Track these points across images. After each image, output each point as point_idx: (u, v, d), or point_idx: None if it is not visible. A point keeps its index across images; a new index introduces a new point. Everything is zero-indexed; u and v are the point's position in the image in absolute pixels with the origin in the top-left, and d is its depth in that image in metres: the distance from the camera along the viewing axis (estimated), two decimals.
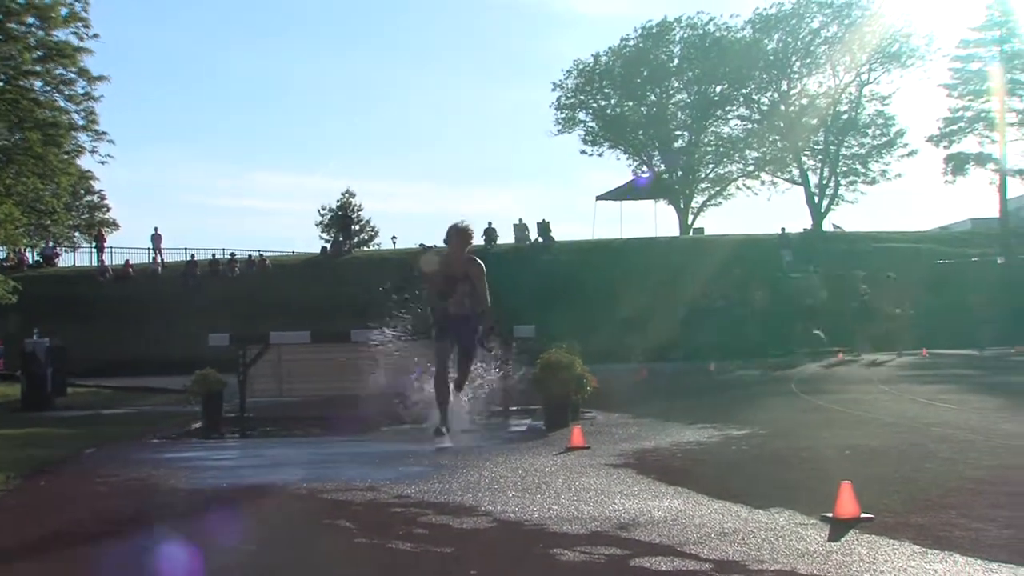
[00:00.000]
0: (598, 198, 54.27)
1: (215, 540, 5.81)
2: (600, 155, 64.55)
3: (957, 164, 51.66)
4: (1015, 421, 11.09)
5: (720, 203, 64.60)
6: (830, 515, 5.67)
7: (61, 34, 28.70)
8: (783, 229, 47.15)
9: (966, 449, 8.66)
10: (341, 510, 6.71)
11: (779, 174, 60.92)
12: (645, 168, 62.85)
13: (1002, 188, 50.53)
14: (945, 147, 52.40)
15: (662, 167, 62.56)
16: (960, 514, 5.78)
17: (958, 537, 5.21)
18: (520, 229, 47.40)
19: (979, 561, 4.78)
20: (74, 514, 7.02)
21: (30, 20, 27.93)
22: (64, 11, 28.15)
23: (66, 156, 30.42)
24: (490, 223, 46.74)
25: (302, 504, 7.05)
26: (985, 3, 49.49)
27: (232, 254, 47.44)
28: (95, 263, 48.39)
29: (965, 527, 5.45)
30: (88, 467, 9.52)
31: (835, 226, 56.18)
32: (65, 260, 51.90)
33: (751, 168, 62.20)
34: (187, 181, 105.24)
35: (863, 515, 5.61)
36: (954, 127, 51.81)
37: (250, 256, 47.18)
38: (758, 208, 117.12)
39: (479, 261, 10.60)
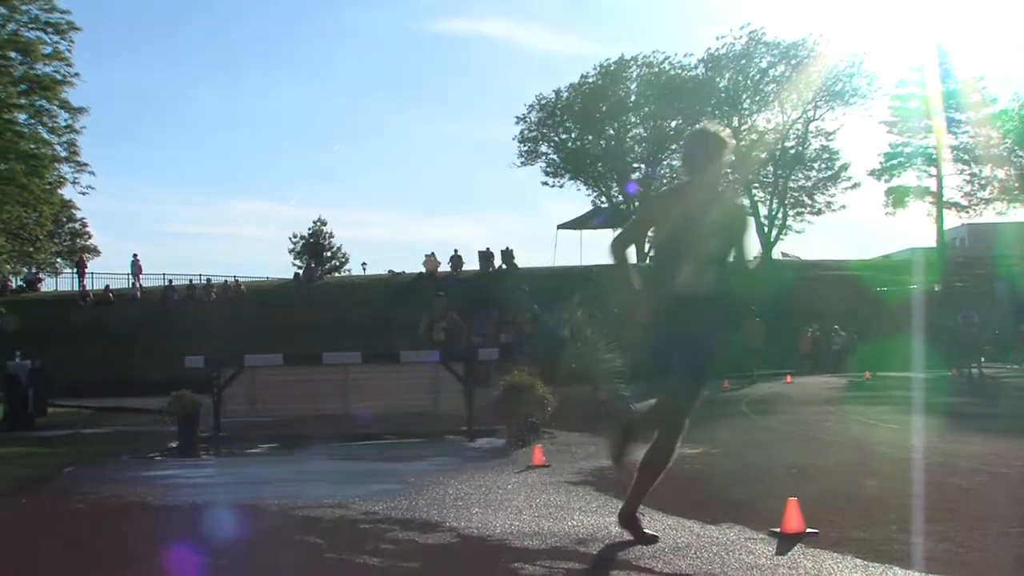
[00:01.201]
0: (559, 227, 54.49)
1: (189, 556, 5.76)
2: (561, 186, 64.70)
3: (897, 197, 52.37)
4: (949, 440, 11.20)
5: None
6: (777, 530, 5.69)
7: (43, 68, 28.61)
8: None
9: (905, 467, 8.73)
10: (311, 526, 6.67)
11: None
12: (604, 199, 63.10)
13: (939, 219, 51.22)
14: (886, 180, 53.09)
15: (620, 199, 62.81)
16: (900, 528, 5.82)
17: (898, 551, 5.25)
18: (485, 257, 47.43)
19: (918, 574, 4.82)
20: (53, 531, 6.94)
21: (12, 54, 27.81)
22: (47, 48, 28.06)
23: (48, 186, 30.26)
24: (456, 251, 46.94)
25: (273, 521, 7.00)
26: (922, 46, 50.30)
27: (208, 279, 47.20)
28: (77, 288, 48.01)
29: (904, 541, 5.49)
30: (67, 485, 9.41)
31: (784, 254, 56.66)
32: (48, 285, 51.57)
33: None
34: (165, 210, 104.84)
35: (808, 530, 5.64)
36: (894, 162, 52.52)
37: (226, 281, 46.93)
38: None
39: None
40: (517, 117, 63.68)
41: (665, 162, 62.66)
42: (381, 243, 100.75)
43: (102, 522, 7.25)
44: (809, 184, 59.86)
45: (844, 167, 59.01)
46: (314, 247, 60.22)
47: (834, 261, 50.32)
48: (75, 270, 50.84)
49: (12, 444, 14.17)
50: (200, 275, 48.89)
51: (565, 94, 62.56)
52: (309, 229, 64.02)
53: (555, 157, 63.71)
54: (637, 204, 61.17)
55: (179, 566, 5.43)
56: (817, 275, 43.62)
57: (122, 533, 6.76)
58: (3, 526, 7.19)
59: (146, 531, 6.79)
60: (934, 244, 52.95)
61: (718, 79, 59.41)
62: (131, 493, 8.51)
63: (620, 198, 63.14)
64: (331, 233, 65.34)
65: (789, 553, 5.30)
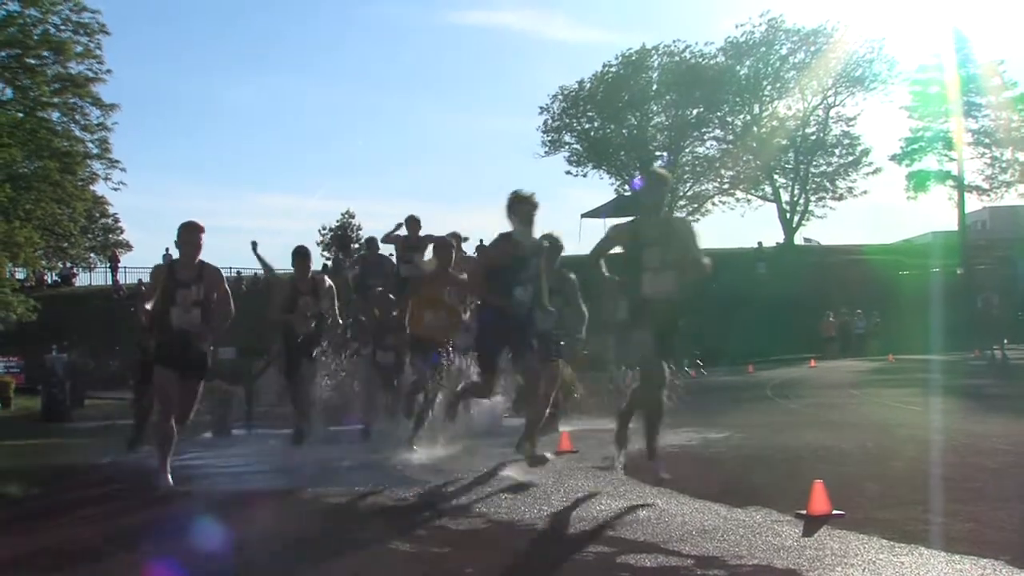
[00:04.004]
0: (583, 216, 54.31)
1: (233, 540, 5.78)
2: (584, 175, 64.34)
3: (918, 181, 51.90)
4: (973, 421, 11.13)
5: (698, 219, 64.59)
6: (804, 512, 5.69)
7: (76, 67, 28.78)
8: (759, 243, 47.26)
9: (929, 448, 8.69)
10: (343, 513, 6.71)
11: (753, 191, 60.90)
12: (627, 188, 62.83)
13: (960, 203, 50.72)
14: (907, 165, 52.65)
15: (639, 188, 62.45)
16: (924, 509, 5.81)
17: (923, 531, 5.24)
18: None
19: (942, 553, 4.81)
20: (91, 519, 7.01)
21: (45, 53, 27.98)
22: (78, 48, 28.21)
23: (81, 183, 30.44)
24: (481, 240, 46.61)
25: (306, 508, 7.05)
26: (942, 30, 49.86)
27: (239, 272, 47.30)
28: (110, 282, 48.30)
29: (929, 521, 5.48)
30: (104, 475, 9.49)
31: (807, 239, 56.36)
32: (82, 280, 51.80)
33: (726, 186, 62.22)
34: (194, 205, 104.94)
35: (834, 512, 5.64)
36: (915, 147, 52.08)
37: (255, 274, 46.98)
38: (734, 223, 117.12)
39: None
40: (541, 107, 63.41)
41: (688, 150, 62.40)
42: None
43: (139, 510, 7.32)
44: (830, 170, 59.38)
45: (865, 152, 58.53)
46: (342, 239, 60.24)
47: (856, 246, 50.00)
48: (108, 265, 51.09)
49: (51, 435, 14.34)
50: (230, 268, 49.00)
51: (588, 84, 62.31)
52: (337, 221, 64.12)
53: (578, 146, 63.47)
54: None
55: (227, 550, 5.48)
56: (839, 260, 43.37)
57: (159, 520, 6.81)
58: (42, 515, 7.26)
59: (184, 519, 6.81)
60: (955, 228, 52.43)
61: (739, 67, 59.01)
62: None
63: (639, 188, 62.87)
64: (359, 225, 65.44)
65: (815, 535, 5.30)
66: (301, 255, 10.91)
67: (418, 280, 10.86)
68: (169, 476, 7.70)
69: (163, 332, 7.93)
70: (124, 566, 5.52)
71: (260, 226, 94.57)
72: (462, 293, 9.87)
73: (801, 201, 59.15)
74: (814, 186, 59.55)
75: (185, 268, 7.90)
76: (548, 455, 8.17)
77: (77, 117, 29.62)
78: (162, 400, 7.91)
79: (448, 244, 10.21)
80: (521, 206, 7.72)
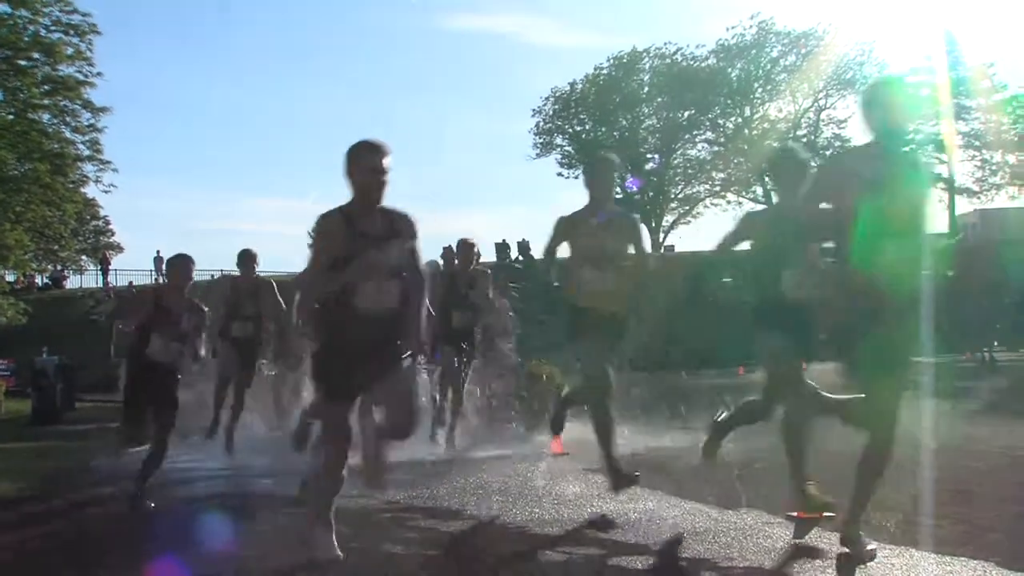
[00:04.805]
0: None
1: (218, 544, 5.77)
2: (576, 177, 64.32)
3: None
4: (963, 423, 11.14)
5: (690, 221, 64.73)
6: (795, 514, 5.69)
7: (66, 69, 28.68)
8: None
9: (920, 450, 8.69)
10: (335, 516, 6.69)
11: (744, 194, 61.03)
12: (619, 189, 62.89)
13: (951, 206, 50.93)
14: None
15: (634, 189, 62.57)
16: (916, 511, 5.81)
17: (913, 533, 5.25)
18: (501, 248, 47.33)
19: (933, 555, 4.82)
20: (82, 520, 6.99)
21: (35, 55, 27.88)
22: (69, 50, 28.12)
23: (72, 185, 30.34)
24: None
25: (299, 510, 7.02)
26: (932, 33, 50.05)
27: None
28: (101, 284, 48.18)
29: (920, 523, 5.48)
30: (96, 477, 9.46)
31: None
32: (72, 282, 51.64)
33: (718, 188, 62.32)
34: (186, 207, 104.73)
35: (826, 514, 5.63)
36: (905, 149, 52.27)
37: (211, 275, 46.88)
38: (726, 226, 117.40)
39: None
40: (533, 110, 63.49)
41: (679, 152, 62.46)
42: None
43: (130, 511, 7.29)
44: None
45: None
46: None
47: None
48: (99, 267, 51.00)
49: (42, 438, 14.27)
50: (222, 271, 48.90)
51: (579, 86, 62.38)
52: None
53: (570, 148, 63.53)
54: (650, 195, 61.16)
55: (210, 555, 5.46)
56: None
57: (149, 520, 6.79)
58: (35, 517, 7.24)
59: (173, 520, 6.80)
60: (946, 230, 52.61)
61: (730, 69, 59.14)
62: (158, 483, 8.55)
63: (634, 188, 63.02)
64: None
65: (807, 537, 5.30)
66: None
67: None
68: None
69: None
70: (123, 566, 5.50)
71: (252, 229, 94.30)
72: None
73: None
74: None
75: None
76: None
77: (68, 119, 29.51)
78: None
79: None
80: None
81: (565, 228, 7.04)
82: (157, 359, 7.30)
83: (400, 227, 5.15)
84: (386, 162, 5.09)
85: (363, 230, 5.02)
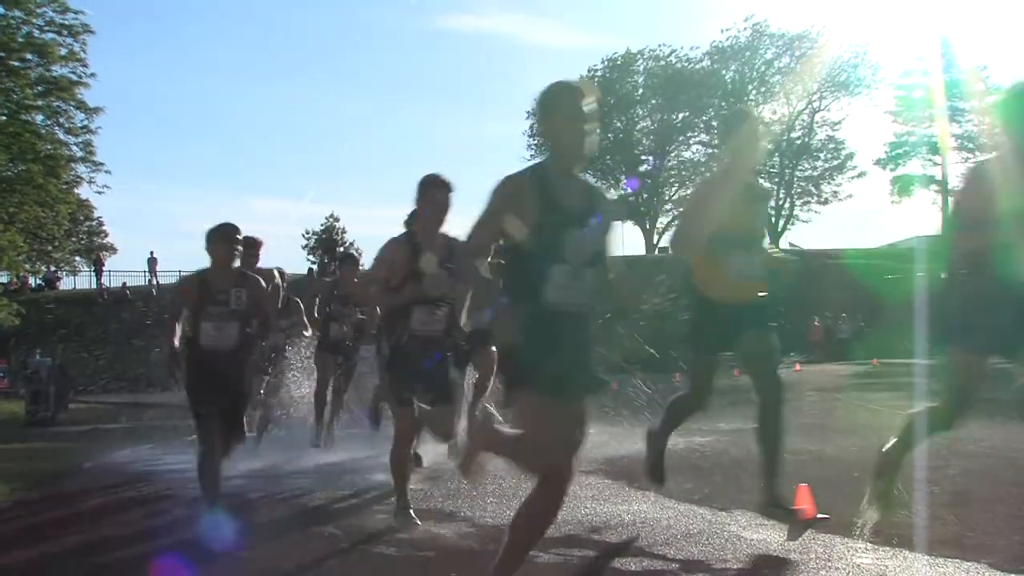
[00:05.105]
0: None
1: (214, 545, 5.76)
2: None
3: (903, 185, 52.24)
4: (957, 425, 11.14)
5: None
6: (790, 508, 5.69)
7: (59, 70, 28.66)
8: None
9: (913, 452, 8.70)
10: (328, 517, 6.69)
11: None
12: (613, 191, 63.01)
13: (944, 208, 51.02)
14: (891, 169, 52.97)
15: (628, 191, 62.74)
16: (908, 513, 5.81)
17: (907, 534, 5.25)
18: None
19: (926, 556, 4.82)
20: (74, 522, 6.97)
21: (29, 56, 27.85)
22: (63, 50, 28.09)
23: (65, 186, 30.32)
24: None
25: (291, 511, 7.02)
26: (926, 35, 50.18)
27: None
28: (94, 286, 48.16)
29: (913, 525, 5.48)
30: (88, 479, 9.46)
31: (791, 244, 56.57)
32: (66, 283, 51.61)
33: None
34: (180, 207, 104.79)
35: (819, 515, 5.63)
36: (899, 151, 52.40)
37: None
38: None
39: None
40: (528, 111, 63.71)
41: (673, 154, 62.60)
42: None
43: (122, 513, 7.28)
44: (815, 174, 59.76)
45: (850, 156, 58.94)
46: (328, 243, 60.09)
47: (840, 250, 50.16)
48: (93, 268, 50.99)
49: (35, 440, 14.28)
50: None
51: None
52: (321, 225, 63.96)
53: None
54: (644, 196, 61.16)
55: (203, 556, 5.44)
56: (823, 264, 43.45)
57: (141, 522, 6.78)
58: (27, 519, 7.23)
59: (165, 522, 6.79)
60: (940, 232, 52.70)
61: (724, 71, 59.35)
62: (151, 486, 8.55)
63: (630, 190, 63.07)
64: (344, 229, 65.30)
65: (800, 539, 5.30)
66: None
67: None
68: None
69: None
70: (121, 566, 5.49)
71: (248, 230, 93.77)
72: None
73: (786, 205, 59.42)
74: (799, 190, 59.87)
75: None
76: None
77: (61, 120, 29.50)
78: None
79: None
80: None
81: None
82: (213, 347, 6.47)
83: None
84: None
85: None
